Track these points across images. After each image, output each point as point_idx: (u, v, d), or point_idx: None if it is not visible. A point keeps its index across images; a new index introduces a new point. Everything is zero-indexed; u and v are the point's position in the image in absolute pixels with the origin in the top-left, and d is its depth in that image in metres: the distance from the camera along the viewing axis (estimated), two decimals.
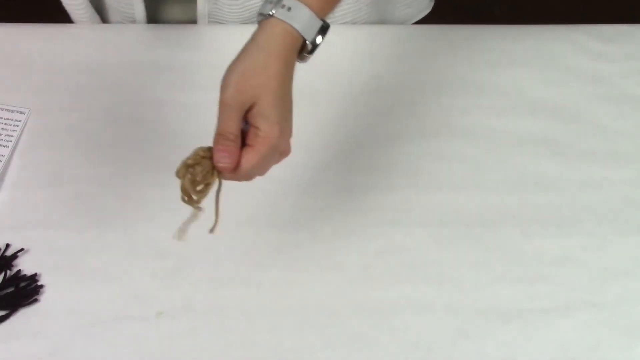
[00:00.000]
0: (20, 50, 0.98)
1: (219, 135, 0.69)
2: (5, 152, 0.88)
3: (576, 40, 1.05)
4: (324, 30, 0.73)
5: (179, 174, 0.71)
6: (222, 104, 0.69)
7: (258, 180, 0.89)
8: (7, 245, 0.81)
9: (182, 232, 0.71)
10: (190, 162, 0.70)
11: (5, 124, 0.91)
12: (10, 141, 0.89)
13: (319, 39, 0.72)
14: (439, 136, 0.94)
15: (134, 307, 0.78)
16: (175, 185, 0.88)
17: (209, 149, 0.70)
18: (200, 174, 0.70)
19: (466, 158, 0.93)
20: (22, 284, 0.79)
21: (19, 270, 0.80)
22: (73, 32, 1.01)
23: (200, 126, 0.93)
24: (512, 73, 1.01)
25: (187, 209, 0.86)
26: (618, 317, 0.81)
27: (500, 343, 0.79)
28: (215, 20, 1.01)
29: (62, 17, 1.06)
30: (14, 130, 0.90)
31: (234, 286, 0.81)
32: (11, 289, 0.78)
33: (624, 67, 1.03)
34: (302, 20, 0.71)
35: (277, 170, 0.89)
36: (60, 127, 0.91)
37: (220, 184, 0.70)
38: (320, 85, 0.97)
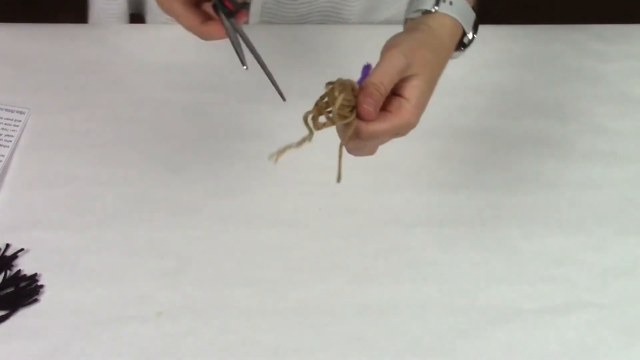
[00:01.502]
0: (20, 50, 0.98)
1: (372, 83, 0.66)
2: (5, 152, 0.88)
3: (576, 40, 1.05)
4: (476, 24, 0.73)
5: (334, 88, 0.66)
6: (388, 57, 0.67)
7: (258, 179, 0.89)
8: (7, 245, 0.81)
9: (278, 154, 0.67)
10: (342, 86, 0.66)
11: (5, 124, 0.90)
12: (10, 141, 0.89)
13: (470, 35, 0.73)
14: (439, 136, 0.94)
15: (134, 307, 0.78)
16: (174, 185, 0.88)
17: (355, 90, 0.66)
18: (345, 102, 0.66)
19: (466, 158, 0.93)
20: (22, 284, 0.79)
21: (19, 270, 0.80)
22: (73, 32, 1.01)
23: (201, 126, 0.93)
24: (512, 73, 1.01)
25: (186, 210, 0.86)
26: (618, 317, 0.81)
27: (500, 343, 0.79)
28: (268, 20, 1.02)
29: (62, 17, 1.06)
30: (14, 130, 0.90)
31: (234, 286, 0.81)
32: (11, 289, 0.78)
33: (624, 67, 1.03)
34: (462, 13, 0.72)
35: (276, 171, 0.90)
36: (60, 127, 0.91)
37: (350, 127, 0.67)
38: (319, 85, 0.97)
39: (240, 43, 0.71)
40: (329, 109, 0.66)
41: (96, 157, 0.89)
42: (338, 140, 0.93)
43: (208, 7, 0.72)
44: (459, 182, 0.90)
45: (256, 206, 0.87)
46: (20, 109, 0.92)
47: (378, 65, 0.67)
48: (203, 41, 0.75)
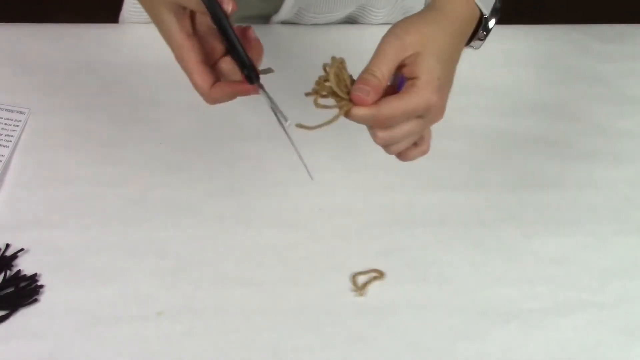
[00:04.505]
0: (20, 50, 0.98)
1: (366, 70, 0.65)
2: (5, 152, 0.88)
3: (576, 40, 1.05)
4: (496, 11, 0.70)
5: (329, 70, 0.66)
6: (381, 44, 0.65)
7: (258, 179, 0.89)
8: (7, 245, 0.81)
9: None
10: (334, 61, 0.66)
11: (5, 124, 0.91)
12: (10, 141, 0.89)
13: (491, 23, 0.70)
14: (439, 136, 0.94)
15: (134, 307, 0.78)
16: (174, 185, 0.88)
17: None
18: (336, 86, 0.65)
19: (466, 158, 0.93)
20: (22, 284, 0.79)
21: (19, 270, 0.80)
22: (73, 32, 1.01)
23: (201, 126, 0.93)
24: (512, 73, 1.01)
25: (186, 210, 0.86)
26: (618, 317, 0.81)
27: (500, 343, 0.79)
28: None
29: (62, 17, 1.06)
30: (14, 130, 0.90)
31: (234, 286, 0.81)
32: (11, 289, 0.78)
33: (624, 67, 1.03)
34: None
35: (276, 171, 0.90)
36: (60, 127, 0.91)
37: (338, 115, 0.66)
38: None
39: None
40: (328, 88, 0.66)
41: (96, 157, 0.89)
42: (338, 141, 0.94)
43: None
44: (459, 182, 0.90)
45: (256, 206, 0.87)
46: (20, 109, 0.92)
47: (373, 54, 0.66)
48: None
